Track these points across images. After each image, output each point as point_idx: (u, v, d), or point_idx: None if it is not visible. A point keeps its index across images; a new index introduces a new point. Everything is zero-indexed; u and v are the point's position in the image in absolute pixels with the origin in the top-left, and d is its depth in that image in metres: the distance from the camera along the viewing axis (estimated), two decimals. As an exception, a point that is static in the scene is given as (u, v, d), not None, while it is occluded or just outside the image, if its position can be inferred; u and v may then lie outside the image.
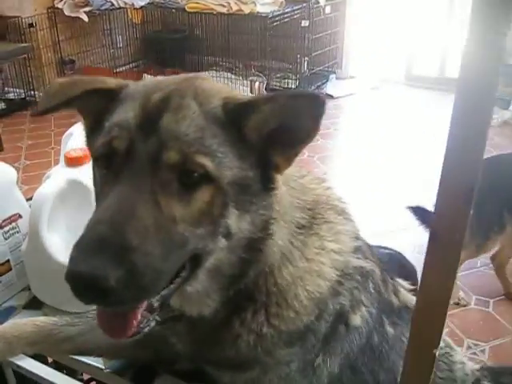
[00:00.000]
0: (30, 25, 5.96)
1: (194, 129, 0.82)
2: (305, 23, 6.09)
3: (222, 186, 0.83)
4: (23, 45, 2.46)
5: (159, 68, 6.80)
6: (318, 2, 6.23)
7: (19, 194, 1.52)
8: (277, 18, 5.75)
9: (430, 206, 2.75)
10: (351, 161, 5.08)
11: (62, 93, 0.94)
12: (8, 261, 1.48)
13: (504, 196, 2.89)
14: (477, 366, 1.49)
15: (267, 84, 6.12)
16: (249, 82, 6.28)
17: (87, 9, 6.15)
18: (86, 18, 6.17)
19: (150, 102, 0.85)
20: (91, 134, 0.95)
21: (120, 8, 6.30)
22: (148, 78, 0.90)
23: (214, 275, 0.92)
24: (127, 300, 0.75)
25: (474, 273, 3.33)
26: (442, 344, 1.17)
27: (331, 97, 6.53)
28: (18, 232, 1.50)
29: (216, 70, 6.83)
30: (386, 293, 1.18)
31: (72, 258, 0.72)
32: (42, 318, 1.27)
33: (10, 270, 1.49)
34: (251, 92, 6.16)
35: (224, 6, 5.68)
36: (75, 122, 1.76)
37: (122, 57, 7.07)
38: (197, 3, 5.81)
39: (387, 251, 1.94)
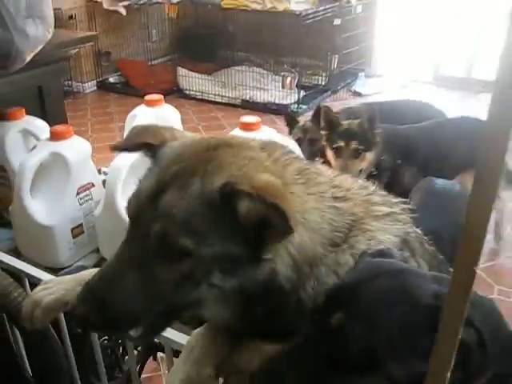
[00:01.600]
0: (70, 17, 6.15)
1: (184, 210, 0.93)
2: (336, 22, 6.23)
3: (201, 259, 0.93)
4: (90, 33, 2.60)
5: (192, 62, 6.98)
6: (350, 2, 6.36)
7: (92, 166, 1.70)
8: (310, 16, 5.86)
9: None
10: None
11: (130, 137, 1.16)
12: (81, 224, 1.66)
13: None
14: None
15: (298, 80, 6.27)
16: (280, 78, 6.44)
17: (126, 3, 6.35)
18: (124, 12, 6.37)
19: (165, 175, 0.98)
20: None
21: (157, 3, 6.48)
22: (183, 138, 1.00)
23: (214, 310, 1.05)
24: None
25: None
26: None
27: (359, 94, 6.67)
28: (91, 199, 1.68)
29: (247, 65, 6.99)
30: None
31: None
32: None
33: (83, 232, 1.67)
34: (283, 87, 6.32)
35: (259, 3, 5.83)
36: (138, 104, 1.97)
37: (156, 50, 7.25)
38: (232, 0, 5.97)
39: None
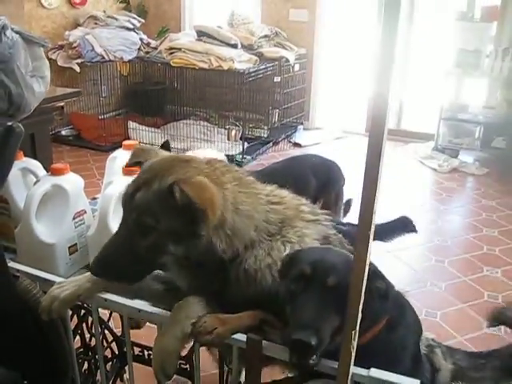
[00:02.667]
0: (25, 73, 6.49)
1: (147, 201, 1.40)
2: (277, 79, 6.80)
3: (160, 232, 1.40)
4: (76, 89, 2.88)
5: (140, 116, 7.36)
6: (288, 61, 6.95)
7: (85, 196, 2.08)
8: (252, 74, 6.40)
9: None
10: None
11: (131, 158, 1.68)
12: (76, 244, 2.03)
13: None
14: (431, 336, 1.79)
15: (242, 132, 6.76)
16: (226, 131, 6.91)
17: (79, 60, 6.72)
18: (77, 69, 6.74)
19: (139, 180, 1.47)
20: None
21: (109, 61, 6.89)
22: (158, 157, 1.60)
23: (179, 269, 1.53)
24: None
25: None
26: None
27: (299, 145, 7.21)
28: (83, 223, 2.05)
29: (194, 119, 7.44)
30: None
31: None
32: None
33: (77, 251, 2.04)
34: (228, 139, 6.78)
35: (205, 62, 6.31)
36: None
37: (106, 105, 7.61)
38: (181, 59, 6.43)
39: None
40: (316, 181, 3.56)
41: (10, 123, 1.54)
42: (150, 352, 2.08)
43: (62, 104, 2.65)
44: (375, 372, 1.26)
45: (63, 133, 7.25)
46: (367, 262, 1.08)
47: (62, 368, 1.84)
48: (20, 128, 1.56)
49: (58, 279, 1.71)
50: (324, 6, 7.50)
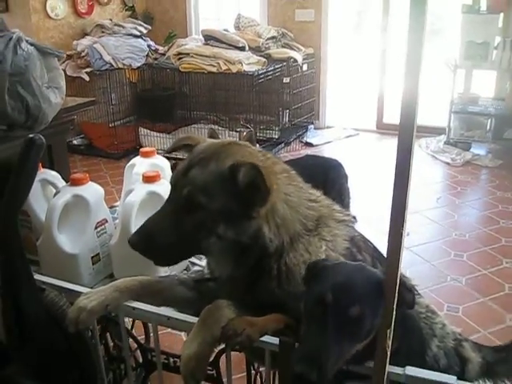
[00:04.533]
0: (35, 85, 6.53)
1: (203, 178, 1.40)
2: (286, 80, 6.80)
3: (211, 212, 1.39)
4: (90, 99, 2.89)
5: (150, 122, 7.35)
6: (296, 61, 6.94)
7: (105, 205, 2.08)
8: (261, 76, 6.40)
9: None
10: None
11: (177, 142, 1.70)
12: (98, 253, 2.03)
13: None
14: (458, 330, 1.79)
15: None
16: (237, 133, 6.90)
17: (88, 69, 6.75)
18: (87, 78, 6.77)
19: (193, 159, 1.48)
20: None
21: (118, 69, 6.92)
22: (209, 140, 1.58)
23: (221, 255, 1.51)
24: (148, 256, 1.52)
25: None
26: (423, 310, 1.70)
27: (311, 145, 7.20)
28: (105, 232, 2.05)
29: (204, 123, 7.44)
30: None
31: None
32: (141, 278, 1.72)
33: (100, 260, 2.04)
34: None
35: (214, 65, 6.32)
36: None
37: (116, 113, 7.63)
38: (189, 64, 6.44)
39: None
40: (312, 182, 3.53)
41: (30, 135, 1.54)
42: (176, 359, 2.08)
43: (75, 114, 2.65)
44: (411, 370, 1.26)
45: (75, 142, 7.27)
46: (401, 257, 1.07)
47: (90, 380, 1.84)
48: (41, 140, 1.56)
49: (84, 290, 1.70)
50: (330, 4, 7.47)
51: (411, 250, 4.38)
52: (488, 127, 6.88)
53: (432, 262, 4.25)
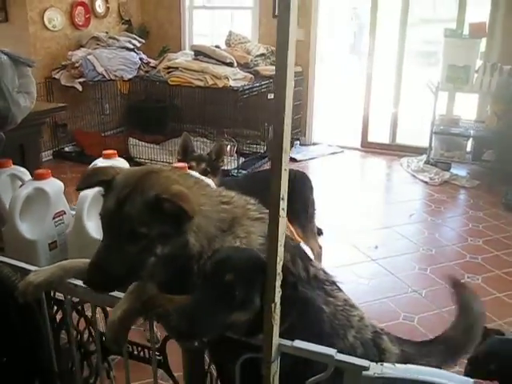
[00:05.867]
0: (30, 92, 6.76)
1: (137, 213, 1.51)
2: (270, 96, 7.01)
3: (152, 238, 1.52)
4: (61, 104, 3.07)
5: (141, 134, 7.58)
6: (283, 78, 7.14)
7: (64, 198, 2.30)
8: (246, 92, 6.63)
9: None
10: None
11: (87, 178, 1.72)
12: (56, 241, 2.25)
13: None
14: (379, 325, 1.87)
15: (238, 148, 6.97)
16: (222, 146, 7.11)
17: (81, 80, 6.98)
18: (80, 88, 7.00)
19: (120, 196, 1.57)
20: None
21: (110, 80, 7.15)
22: (124, 171, 1.71)
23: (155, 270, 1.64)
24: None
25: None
26: (340, 303, 1.87)
27: (295, 160, 7.39)
28: (63, 223, 2.26)
29: (192, 136, 7.62)
30: (296, 269, 1.71)
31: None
32: (86, 260, 1.77)
33: (56, 247, 2.25)
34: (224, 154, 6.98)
35: (201, 80, 6.55)
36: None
37: (108, 122, 7.85)
38: (178, 77, 6.68)
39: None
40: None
41: (-6, 133, 1.75)
42: (139, 348, 2.22)
43: (46, 117, 2.87)
44: (298, 343, 1.45)
45: (66, 149, 7.50)
46: (282, 241, 1.27)
47: (39, 349, 2.02)
48: (1, 135, 1.77)
49: (34, 268, 1.90)
50: (319, 25, 7.74)
51: (377, 262, 4.57)
52: (468, 148, 7.10)
53: (396, 274, 4.43)
